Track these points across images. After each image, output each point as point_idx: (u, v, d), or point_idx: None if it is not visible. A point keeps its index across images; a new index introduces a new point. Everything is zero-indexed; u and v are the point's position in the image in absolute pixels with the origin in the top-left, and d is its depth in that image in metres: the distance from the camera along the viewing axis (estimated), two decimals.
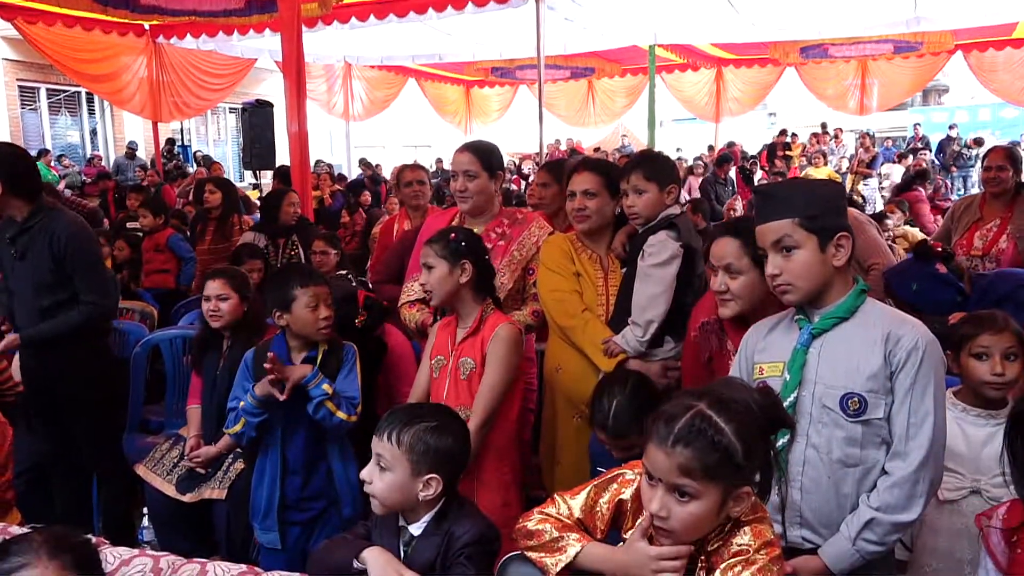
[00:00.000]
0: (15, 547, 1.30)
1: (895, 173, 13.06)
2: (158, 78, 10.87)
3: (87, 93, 13.25)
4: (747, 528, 1.36)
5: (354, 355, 2.50)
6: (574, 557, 1.45)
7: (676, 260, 2.41)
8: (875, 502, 1.63)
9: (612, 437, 2.16)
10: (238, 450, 2.79)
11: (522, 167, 16.30)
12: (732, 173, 11.22)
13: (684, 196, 9.09)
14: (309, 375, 2.35)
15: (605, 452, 2.22)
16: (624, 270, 2.55)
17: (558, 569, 1.46)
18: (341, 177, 12.46)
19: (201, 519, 2.83)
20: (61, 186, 10.51)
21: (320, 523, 2.45)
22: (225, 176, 10.70)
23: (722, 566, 1.35)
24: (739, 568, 1.33)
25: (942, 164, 14.68)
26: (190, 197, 8.39)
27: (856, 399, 1.64)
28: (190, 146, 14.78)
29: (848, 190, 11.44)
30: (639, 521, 1.41)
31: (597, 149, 16.21)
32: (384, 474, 1.64)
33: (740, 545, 1.35)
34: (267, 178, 9.77)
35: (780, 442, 1.64)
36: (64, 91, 13.27)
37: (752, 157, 14.04)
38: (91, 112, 14.14)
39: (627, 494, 1.49)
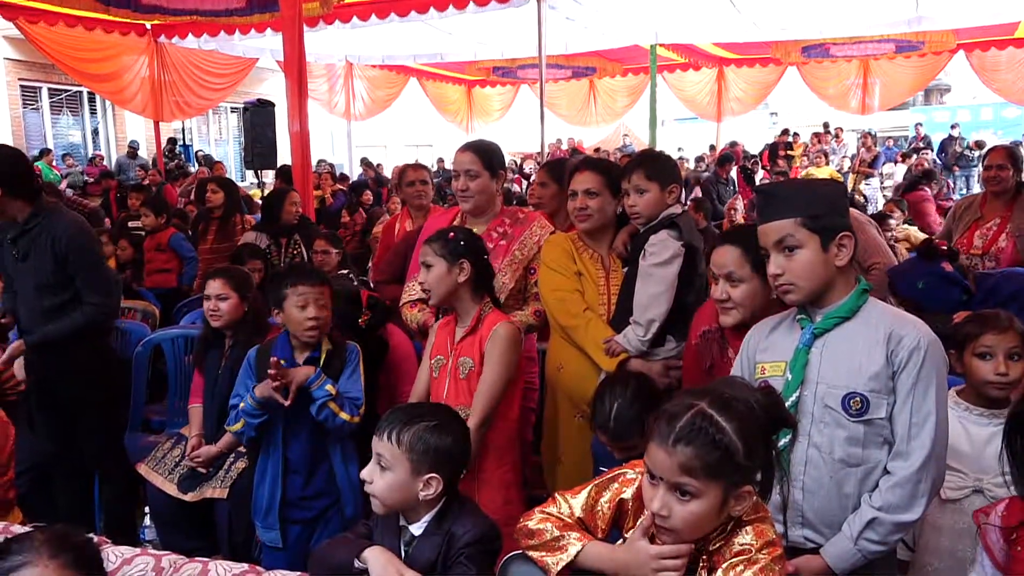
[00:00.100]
0: (16, 546, 1.30)
1: (897, 173, 13.06)
2: (160, 78, 10.88)
3: (89, 93, 13.25)
4: (749, 528, 1.36)
5: (357, 355, 2.50)
6: (575, 556, 1.45)
7: (677, 259, 2.40)
8: (877, 502, 1.63)
9: (613, 439, 2.16)
10: (239, 449, 2.80)
11: (524, 167, 16.29)
12: (733, 173, 11.21)
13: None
14: (312, 376, 2.35)
15: (608, 452, 2.21)
16: (626, 269, 2.55)
17: (559, 568, 1.46)
18: (343, 177, 12.46)
19: (203, 518, 2.83)
20: (63, 185, 10.52)
21: (322, 522, 2.45)
22: (227, 176, 10.71)
23: (724, 565, 1.35)
24: (741, 567, 1.33)
25: (944, 164, 14.66)
26: (191, 196, 8.40)
27: (858, 399, 1.64)
28: (192, 145, 14.79)
29: (850, 190, 11.44)
30: (640, 520, 1.41)
31: (597, 150, 16.19)
32: (384, 474, 1.64)
33: (742, 545, 1.35)
34: (269, 177, 9.77)
35: (782, 442, 1.63)
36: (66, 91, 13.28)
37: (753, 157, 14.04)
38: (93, 112, 14.15)
39: (628, 493, 1.49)
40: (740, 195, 9.69)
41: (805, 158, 14.19)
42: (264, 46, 10.72)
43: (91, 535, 1.46)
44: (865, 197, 11.69)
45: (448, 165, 14.78)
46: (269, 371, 2.28)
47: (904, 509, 1.62)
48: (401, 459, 1.63)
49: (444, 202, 8.35)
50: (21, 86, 12.56)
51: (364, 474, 1.68)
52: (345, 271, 4.44)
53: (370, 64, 13.65)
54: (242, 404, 2.40)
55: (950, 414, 1.76)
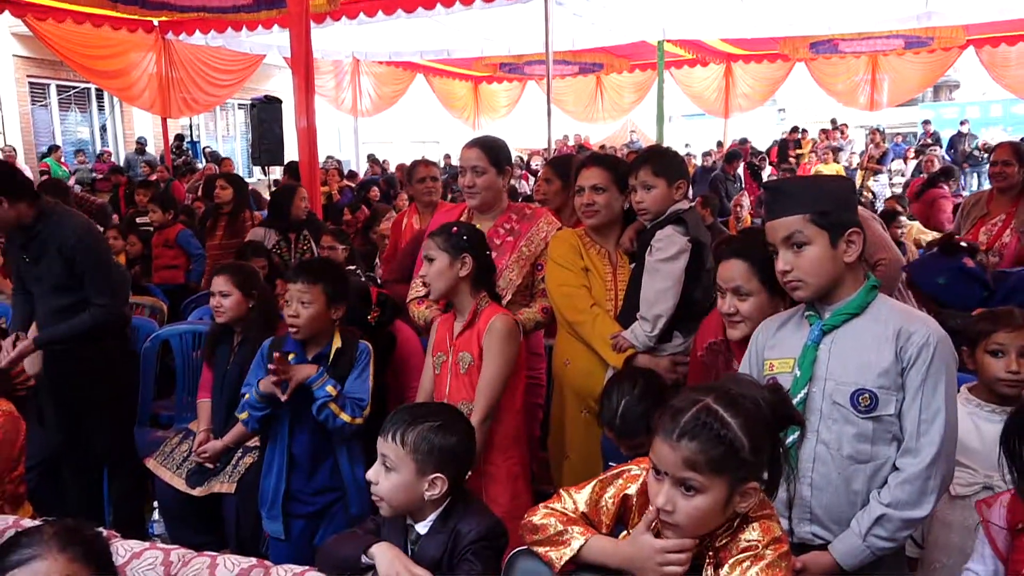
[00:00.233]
0: (26, 539, 1.30)
1: (906, 169, 13.00)
2: (167, 74, 10.92)
3: (97, 89, 13.30)
4: (755, 524, 1.36)
5: (368, 355, 2.46)
6: (578, 550, 1.45)
7: (684, 255, 2.40)
8: (886, 498, 1.62)
9: (620, 436, 2.16)
10: (247, 444, 2.81)
11: (530, 163, 16.28)
12: (740, 169, 11.18)
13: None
14: (314, 375, 2.33)
15: (616, 449, 2.21)
16: (632, 265, 2.55)
17: (563, 562, 1.46)
18: (351, 174, 12.48)
19: (211, 513, 2.85)
20: (71, 182, 10.56)
21: (326, 517, 2.45)
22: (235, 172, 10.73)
23: (730, 561, 1.34)
24: (747, 564, 1.33)
25: (953, 160, 14.58)
26: (199, 193, 8.42)
27: (867, 395, 1.63)
28: (199, 142, 14.82)
29: (858, 186, 11.39)
30: (645, 514, 1.41)
31: (602, 147, 16.16)
32: (390, 474, 1.64)
33: (748, 541, 1.35)
34: (276, 174, 9.79)
35: (790, 438, 1.63)
36: (74, 87, 13.33)
37: (761, 153, 13.99)
38: (101, 108, 14.20)
39: (632, 489, 1.49)
40: (746, 191, 9.67)
41: (813, 154, 14.13)
42: (271, 42, 10.75)
43: (100, 529, 1.47)
44: (873, 193, 11.63)
45: (455, 161, 14.79)
46: (269, 365, 2.29)
47: (913, 506, 1.61)
48: (406, 459, 1.63)
49: (452, 198, 8.35)
50: (30, 83, 12.62)
51: (370, 475, 1.68)
52: (352, 267, 4.44)
53: (377, 60, 13.68)
54: (247, 396, 2.42)
55: (961, 410, 1.76)
